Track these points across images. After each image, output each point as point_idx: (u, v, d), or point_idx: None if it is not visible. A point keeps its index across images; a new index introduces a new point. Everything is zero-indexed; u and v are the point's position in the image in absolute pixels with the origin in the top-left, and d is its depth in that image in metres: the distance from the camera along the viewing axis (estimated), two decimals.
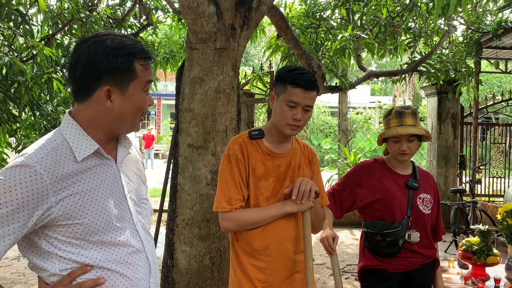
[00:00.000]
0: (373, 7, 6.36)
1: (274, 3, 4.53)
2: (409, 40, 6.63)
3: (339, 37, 5.55)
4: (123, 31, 6.08)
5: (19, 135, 3.99)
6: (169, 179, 3.33)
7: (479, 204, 7.05)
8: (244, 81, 6.94)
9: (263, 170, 1.88)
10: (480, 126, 8.73)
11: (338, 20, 6.88)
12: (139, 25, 6.45)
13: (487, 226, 3.00)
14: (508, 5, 6.33)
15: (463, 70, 6.37)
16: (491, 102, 8.45)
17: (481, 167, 8.19)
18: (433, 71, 6.46)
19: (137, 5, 6.07)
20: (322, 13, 6.54)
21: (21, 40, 4.23)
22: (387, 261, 2.36)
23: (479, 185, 8.49)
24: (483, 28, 7.61)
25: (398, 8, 6.36)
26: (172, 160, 3.36)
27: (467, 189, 7.50)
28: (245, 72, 7.86)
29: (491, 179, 8.91)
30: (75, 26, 4.88)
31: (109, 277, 1.26)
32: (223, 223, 1.86)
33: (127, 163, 1.41)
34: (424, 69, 6.63)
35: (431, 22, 6.63)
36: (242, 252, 1.90)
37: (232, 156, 1.87)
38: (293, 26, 5.88)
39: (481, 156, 8.77)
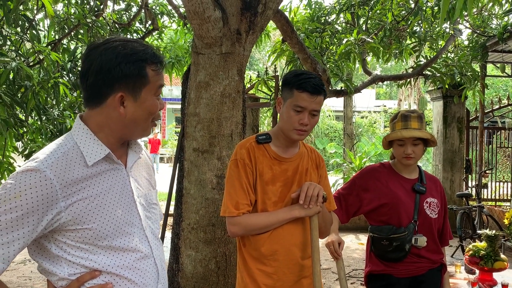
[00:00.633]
0: (378, 11, 6.37)
1: (279, 7, 4.54)
2: (415, 44, 6.62)
3: (344, 41, 5.56)
4: (129, 36, 6.12)
5: (26, 140, 4.01)
6: (175, 183, 3.33)
7: (485, 209, 7.01)
8: (249, 86, 6.95)
9: (270, 174, 1.87)
10: (486, 130, 8.68)
11: (343, 24, 6.89)
12: (144, 30, 6.49)
13: (494, 231, 2.98)
14: None
15: (469, 74, 6.35)
16: (497, 106, 8.41)
17: (487, 172, 8.15)
18: (438, 75, 6.44)
19: (143, 10, 6.11)
20: (327, 18, 6.55)
21: (28, 45, 4.26)
22: (394, 266, 2.34)
23: (485, 190, 8.43)
24: (489, 31, 7.58)
25: (404, 12, 6.35)
26: (177, 164, 3.36)
27: (473, 193, 7.45)
28: (250, 77, 7.88)
29: (497, 183, 8.85)
30: (82, 31, 4.91)
31: (117, 283, 1.26)
32: (230, 227, 1.86)
33: (137, 168, 1.42)
34: (429, 73, 6.61)
35: (436, 26, 6.62)
36: (250, 257, 1.89)
37: (239, 160, 1.87)
38: (298, 31, 5.89)
39: (487, 160, 8.71)
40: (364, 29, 6.41)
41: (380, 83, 7.65)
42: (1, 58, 3.31)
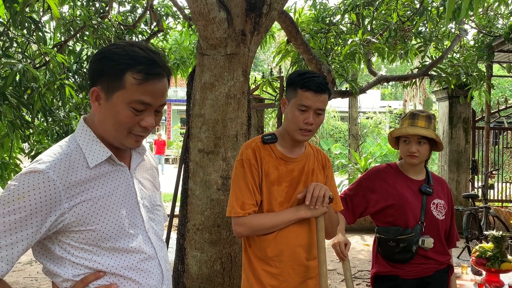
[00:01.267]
0: (383, 12, 6.35)
1: (284, 8, 4.54)
2: (420, 44, 6.59)
3: (349, 42, 5.54)
4: (134, 38, 6.14)
5: (32, 141, 4.03)
6: (180, 184, 3.34)
7: (492, 210, 6.96)
8: (254, 87, 6.95)
9: (276, 174, 1.87)
10: (492, 131, 8.64)
11: (348, 25, 6.87)
12: (150, 32, 6.51)
13: (501, 232, 2.96)
14: None
15: (475, 74, 6.31)
16: (504, 106, 8.36)
17: (493, 172, 8.10)
18: (444, 75, 6.41)
19: (148, 12, 6.13)
20: (332, 18, 6.53)
21: (34, 47, 4.28)
22: (401, 267, 2.33)
23: (491, 190, 8.38)
24: (495, 31, 7.55)
25: (409, 12, 6.33)
26: (183, 165, 3.37)
27: (480, 194, 7.41)
28: (255, 78, 7.88)
29: (504, 184, 8.80)
30: (87, 33, 4.93)
31: (122, 284, 1.26)
32: (236, 228, 1.85)
33: (141, 170, 1.42)
34: (435, 73, 6.58)
35: (441, 26, 6.59)
36: (255, 258, 1.89)
37: (245, 160, 1.86)
38: (303, 31, 5.87)
39: (494, 161, 8.66)
40: (369, 29, 6.39)
41: (385, 83, 7.63)
42: (8, 60, 3.33)
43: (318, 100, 1.81)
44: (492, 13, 7.70)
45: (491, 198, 8.38)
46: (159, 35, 6.78)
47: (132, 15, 6.45)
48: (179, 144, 20.69)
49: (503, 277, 2.91)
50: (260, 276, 1.86)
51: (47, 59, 3.92)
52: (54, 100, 4.04)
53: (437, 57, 6.81)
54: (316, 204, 1.80)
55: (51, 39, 5.23)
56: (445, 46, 7.04)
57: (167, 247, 3.64)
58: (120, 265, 1.26)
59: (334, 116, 22.35)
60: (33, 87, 3.51)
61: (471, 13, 5.28)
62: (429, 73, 6.70)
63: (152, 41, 6.74)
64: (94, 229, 1.22)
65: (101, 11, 5.43)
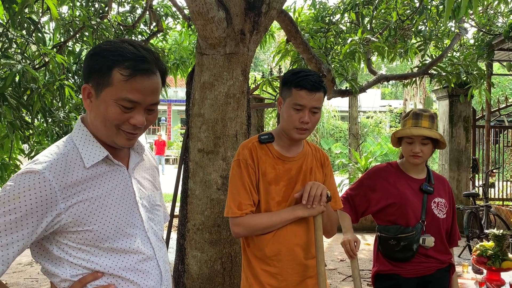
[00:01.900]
0: (382, 11, 6.35)
1: (284, 7, 4.54)
2: (420, 43, 6.59)
3: (349, 41, 5.54)
4: (133, 38, 6.14)
5: (32, 142, 4.03)
6: (180, 184, 3.34)
7: (493, 208, 6.96)
8: (253, 86, 6.95)
9: (273, 174, 1.86)
10: (492, 129, 8.63)
11: (348, 24, 6.87)
12: (149, 32, 6.51)
13: (501, 231, 2.95)
14: None
15: (475, 72, 6.31)
16: (504, 105, 8.35)
17: (494, 171, 8.09)
18: (444, 74, 6.41)
19: (148, 12, 6.13)
20: (331, 17, 6.53)
21: (33, 47, 4.28)
22: (401, 266, 2.33)
23: (492, 189, 8.37)
24: (495, 30, 7.54)
25: (408, 11, 6.33)
26: (182, 165, 3.37)
27: (480, 193, 7.40)
28: (255, 77, 7.87)
29: (504, 182, 8.79)
30: (86, 34, 4.93)
31: (120, 284, 1.25)
32: (233, 228, 1.85)
33: (140, 169, 1.41)
34: (435, 72, 6.58)
35: (441, 24, 6.58)
36: (254, 258, 1.88)
37: (241, 161, 1.86)
38: (302, 31, 5.87)
39: (494, 160, 8.65)
40: (368, 28, 6.39)
41: (385, 82, 7.62)
42: (7, 60, 3.33)
43: (313, 99, 1.79)
44: (492, 12, 7.69)
45: (492, 196, 8.38)
46: (158, 35, 6.77)
47: (131, 15, 6.45)
48: (179, 145, 20.69)
49: (504, 275, 2.91)
50: (259, 276, 1.86)
51: (47, 59, 3.92)
52: (54, 101, 4.04)
53: (437, 55, 6.81)
54: (313, 203, 1.79)
55: (50, 39, 5.23)
56: (445, 45, 7.05)
57: (167, 247, 3.64)
58: (118, 266, 1.25)
59: (335, 116, 22.33)
60: (32, 88, 3.51)
61: (471, 12, 5.28)
62: (429, 72, 6.70)
63: (151, 41, 6.74)
64: (91, 230, 1.21)
65: (101, 11, 5.43)
